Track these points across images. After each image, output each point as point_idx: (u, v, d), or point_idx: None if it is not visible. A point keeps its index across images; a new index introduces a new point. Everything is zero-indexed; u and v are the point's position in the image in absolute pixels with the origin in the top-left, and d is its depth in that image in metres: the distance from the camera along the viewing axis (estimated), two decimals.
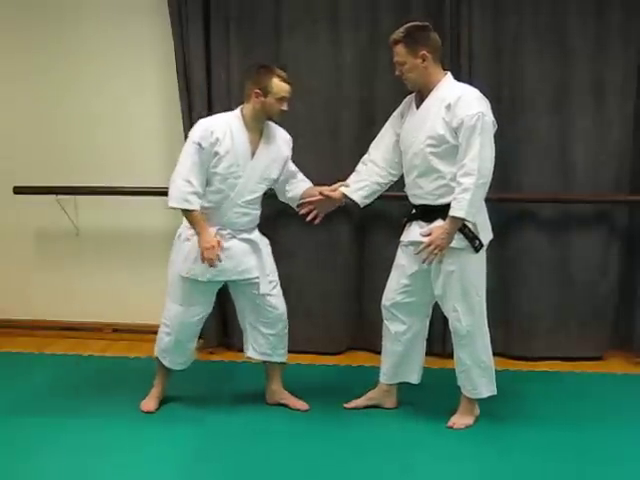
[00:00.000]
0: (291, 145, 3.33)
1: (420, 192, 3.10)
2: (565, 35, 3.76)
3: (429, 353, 4.11)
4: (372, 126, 3.67)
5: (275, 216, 4.09)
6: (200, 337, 4.20)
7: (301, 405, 3.40)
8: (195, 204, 3.08)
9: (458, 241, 3.01)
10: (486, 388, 3.23)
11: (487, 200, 3.93)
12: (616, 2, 3.71)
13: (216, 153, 3.08)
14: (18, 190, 4.25)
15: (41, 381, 3.75)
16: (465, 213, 2.92)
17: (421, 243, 3.03)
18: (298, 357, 3.95)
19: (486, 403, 3.44)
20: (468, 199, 2.90)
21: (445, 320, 4.07)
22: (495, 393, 3.25)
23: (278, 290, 3.38)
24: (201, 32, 3.92)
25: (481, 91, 3.81)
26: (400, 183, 3.60)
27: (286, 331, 3.41)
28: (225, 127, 3.11)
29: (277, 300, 3.36)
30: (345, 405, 3.42)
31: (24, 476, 2.86)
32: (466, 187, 2.90)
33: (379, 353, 3.50)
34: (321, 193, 3.26)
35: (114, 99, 4.23)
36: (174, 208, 3.11)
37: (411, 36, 2.99)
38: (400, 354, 3.32)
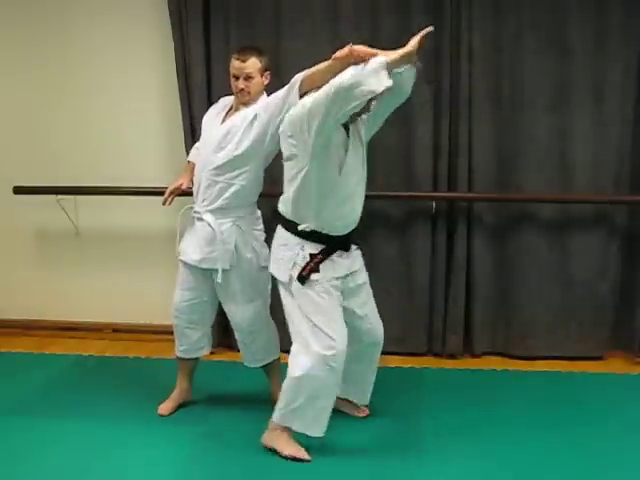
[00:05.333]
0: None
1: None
2: (565, 35, 3.75)
3: (429, 353, 4.14)
4: None
5: (274, 216, 4.08)
6: None
7: None
8: (191, 156, 3.40)
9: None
10: None
11: (487, 200, 3.98)
12: (616, 2, 3.70)
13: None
14: (18, 190, 4.25)
15: (41, 381, 3.75)
16: None
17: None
18: None
19: (485, 403, 3.45)
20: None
21: (445, 321, 4.09)
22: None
23: (249, 300, 3.20)
24: (201, 32, 3.91)
25: (481, 91, 3.84)
26: (400, 183, 3.60)
27: (251, 339, 3.27)
28: (229, 100, 3.24)
29: (239, 309, 3.21)
30: None
31: (24, 476, 2.87)
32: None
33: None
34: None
35: (114, 99, 4.22)
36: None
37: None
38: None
